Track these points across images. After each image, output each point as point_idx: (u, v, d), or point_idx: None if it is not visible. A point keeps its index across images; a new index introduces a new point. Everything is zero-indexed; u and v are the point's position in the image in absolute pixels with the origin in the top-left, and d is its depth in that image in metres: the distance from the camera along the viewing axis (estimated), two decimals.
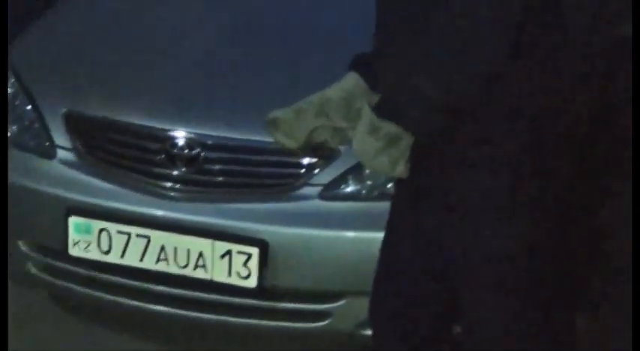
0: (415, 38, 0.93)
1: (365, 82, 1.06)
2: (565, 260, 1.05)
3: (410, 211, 1.08)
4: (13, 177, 1.63)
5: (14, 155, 1.69)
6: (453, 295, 1.09)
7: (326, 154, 1.36)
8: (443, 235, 1.04)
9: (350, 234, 1.52)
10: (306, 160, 1.57)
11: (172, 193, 1.59)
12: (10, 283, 1.61)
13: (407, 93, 0.95)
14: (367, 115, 0.97)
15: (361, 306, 1.31)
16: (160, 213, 1.56)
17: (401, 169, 0.99)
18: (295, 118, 1.03)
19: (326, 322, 1.59)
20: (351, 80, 1.06)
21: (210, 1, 2.10)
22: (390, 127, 0.95)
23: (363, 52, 1.11)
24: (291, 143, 1.04)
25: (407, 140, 0.97)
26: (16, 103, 1.78)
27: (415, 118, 0.94)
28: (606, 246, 1.32)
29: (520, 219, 0.97)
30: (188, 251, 1.53)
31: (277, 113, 1.03)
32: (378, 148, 0.99)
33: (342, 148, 1.32)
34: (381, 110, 0.96)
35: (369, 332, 1.36)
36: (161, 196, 1.58)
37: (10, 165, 1.62)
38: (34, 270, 1.72)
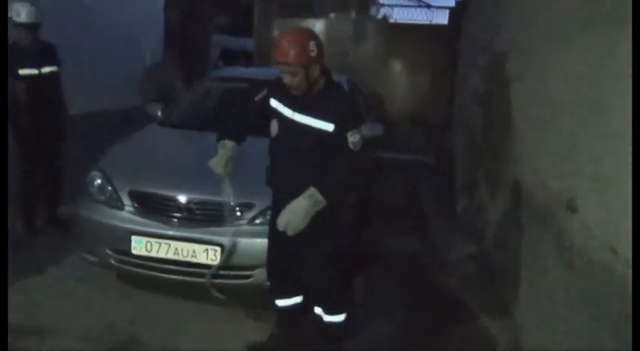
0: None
1: (234, 141, 2.46)
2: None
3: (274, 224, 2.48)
4: (105, 219, 2.93)
5: (105, 210, 2.97)
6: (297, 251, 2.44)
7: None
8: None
9: (258, 240, 2.69)
10: (240, 210, 2.83)
11: (178, 224, 2.87)
12: (103, 269, 2.97)
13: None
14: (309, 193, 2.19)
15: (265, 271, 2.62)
16: (173, 233, 2.84)
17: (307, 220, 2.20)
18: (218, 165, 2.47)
19: (251, 280, 2.82)
20: (229, 144, 2.47)
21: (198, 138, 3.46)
22: (318, 197, 2.19)
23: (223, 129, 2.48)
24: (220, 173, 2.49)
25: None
26: (103, 185, 3.06)
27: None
28: None
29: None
30: (188, 250, 2.80)
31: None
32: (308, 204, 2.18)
33: (255, 202, 2.74)
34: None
35: (268, 283, 2.65)
36: (173, 225, 2.87)
37: (102, 215, 2.93)
38: (114, 262, 2.96)
